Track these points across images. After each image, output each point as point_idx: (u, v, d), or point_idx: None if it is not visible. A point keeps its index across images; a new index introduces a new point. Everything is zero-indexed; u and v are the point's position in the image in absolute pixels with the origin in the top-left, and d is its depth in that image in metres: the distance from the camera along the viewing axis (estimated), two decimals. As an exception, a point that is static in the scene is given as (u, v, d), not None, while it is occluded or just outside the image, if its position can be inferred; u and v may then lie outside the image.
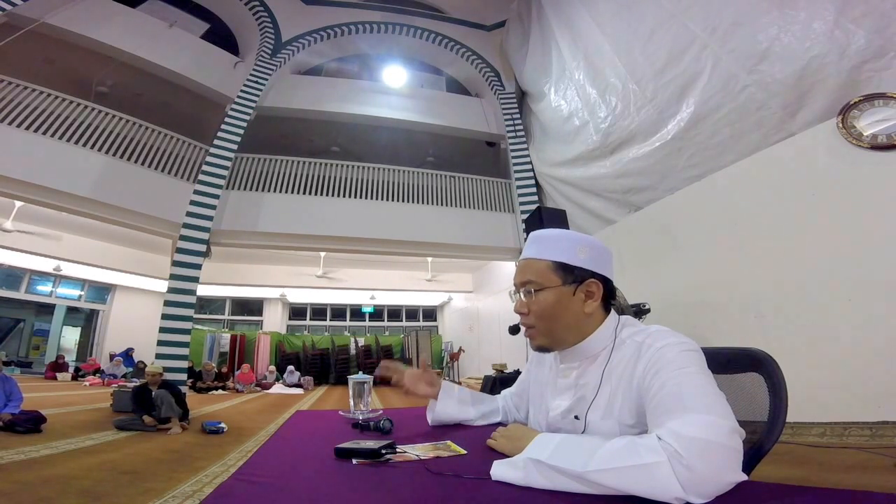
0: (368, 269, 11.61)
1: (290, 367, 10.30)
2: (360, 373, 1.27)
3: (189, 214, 6.35)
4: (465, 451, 0.79)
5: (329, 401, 7.60)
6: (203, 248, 6.34)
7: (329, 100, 8.53)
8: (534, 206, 6.99)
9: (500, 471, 0.62)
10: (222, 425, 4.05)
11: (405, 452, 0.76)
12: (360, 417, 1.10)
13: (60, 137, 5.76)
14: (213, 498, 0.56)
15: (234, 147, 7.08)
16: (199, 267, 6.26)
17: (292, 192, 7.28)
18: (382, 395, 7.81)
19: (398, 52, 9.84)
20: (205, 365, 9.38)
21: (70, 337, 11.60)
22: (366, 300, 13.68)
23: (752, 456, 0.72)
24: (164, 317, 5.91)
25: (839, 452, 2.53)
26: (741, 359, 0.85)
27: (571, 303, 0.80)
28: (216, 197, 6.61)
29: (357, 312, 14.70)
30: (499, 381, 4.54)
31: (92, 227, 7.78)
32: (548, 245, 0.84)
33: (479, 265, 11.08)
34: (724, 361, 0.85)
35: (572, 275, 0.80)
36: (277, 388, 9.36)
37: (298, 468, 0.73)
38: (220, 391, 8.65)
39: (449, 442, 0.85)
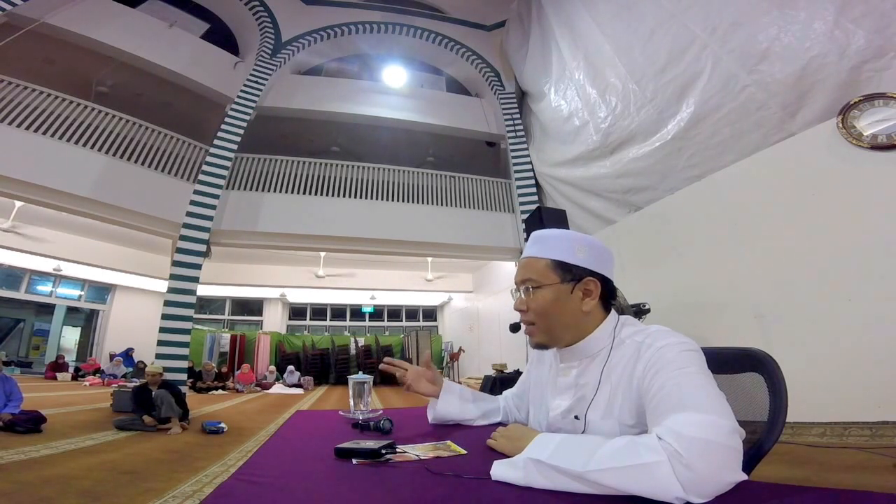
0: (368, 269, 11.61)
1: (290, 367, 10.30)
2: (360, 373, 1.27)
3: (189, 214, 6.36)
4: (465, 451, 0.79)
5: (329, 401, 7.60)
6: (203, 248, 6.34)
7: (329, 100, 8.53)
8: (534, 206, 6.99)
9: (501, 471, 0.62)
10: (222, 425, 4.04)
11: (405, 452, 0.76)
12: (360, 417, 1.10)
13: (60, 137, 5.76)
14: (213, 498, 0.56)
15: (234, 147, 7.08)
16: (199, 267, 6.26)
17: (292, 192, 7.28)
18: (382, 395, 7.81)
19: (398, 52, 9.84)
20: (205, 365, 9.38)
21: (70, 337, 11.60)
22: (366, 300, 13.69)
23: (752, 456, 0.72)
24: (164, 317, 5.91)
25: (839, 452, 2.53)
26: (741, 359, 0.85)
27: (569, 301, 0.81)
28: (216, 197, 6.61)
29: (357, 312, 14.70)
30: (499, 381, 4.54)
31: (92, 227, 7.78)
32: (547, 244, 0.85)
33: (479, 265, 11.08)
34: (724, 361, 0.85)
35: (570, 273, 0.81)
36: (277, 388, 9.36)
37: (298, 468, 0.73)
38: (220, 391, 8.65)
39: (449, 442, 0.85)
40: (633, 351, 0.75)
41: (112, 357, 10.18)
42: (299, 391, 9.25)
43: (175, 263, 6.17)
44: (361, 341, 12.83)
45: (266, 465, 0.75)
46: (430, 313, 15.20)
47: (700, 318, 4.17)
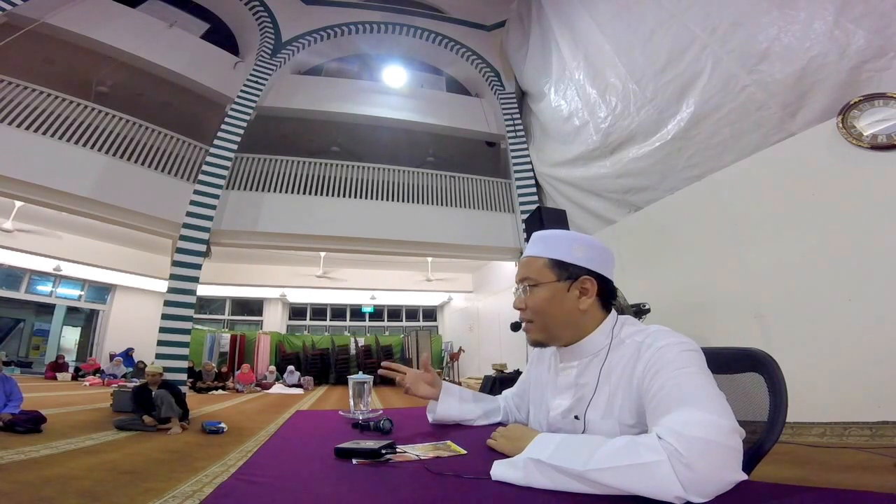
0: (368, 269, 11.61)
1: (290, 367, 10.30)
2: (360, 373, 1.27)
3: (189, 214, 6.35)
4: (465, 451, 0.79)
5: (329, 401, 7.60)
6: (203, 248, 6.34)
7: (329, 100, 8.53)
8: (534, 206, 6.99)
9: (501, 471, 0.62)
10: (222, 425, 4.04)
11: (405, 452, 0.76)
12: (360, 417, 1.10)
13: (60, 137, 5.76)
14: (213, 498, 0.56)
15: (234, 147, 7.08)
16: (199, 267, 6.26)
17: (292, 192, 7.28)
18: (382, 395, 7.81)
19: (398, 52, 9.84)
20: (205, 365, 9.38)
21: (70, 337, 11.60)
22: (366, 300, 13.69)
23: (752, 456, 0.72)
24: (164, 317, 5.91)
25: (839, 452, 2.53)
26: (741, 359, 0.85)
27: (565, 299, 0.82)
28: (216, 197, 6.61)
29: (357, 312, 14.71)
30: (499, 381, 4.54)
31: (92, 227, 7.78)
32: (545, 244, 0.87)
33: (479, 265, 11.08)
34: (724, 361, 0.85)
35: (567, 271, 0.82)
36: (277, 388, 9.37)
37: (298, 468, 0.73)
38: (220, 391, 8.65)
39: (449, 442, 0.85)
40: (633, 351, 0.75)
41: (112, 357, 10.18)
42: (299, 391, 9.26)
43: (175, 263, 6.17)
44: (361, 341, 12.83)
45: (266, 465, 0.75)
46: (430, 313, 15.20)
47: (700, 318, 4.17)
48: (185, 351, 5.96)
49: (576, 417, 0.81)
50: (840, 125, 3.21)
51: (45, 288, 10.99)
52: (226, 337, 11.49)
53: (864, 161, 3.09)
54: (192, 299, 6.14)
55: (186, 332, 6.03)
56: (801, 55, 3.54)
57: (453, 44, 9.65)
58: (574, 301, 0.82)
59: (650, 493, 0.52)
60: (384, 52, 9.81)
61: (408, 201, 7.70)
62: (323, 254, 10.01)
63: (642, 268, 4.97)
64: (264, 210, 6.99)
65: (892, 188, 2.92)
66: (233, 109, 7.40)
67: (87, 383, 8.53)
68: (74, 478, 2.35)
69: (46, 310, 10.99)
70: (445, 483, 0.61)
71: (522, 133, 8.29)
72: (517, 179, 7.90)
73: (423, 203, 7.76)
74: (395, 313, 15.02)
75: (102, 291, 11.83)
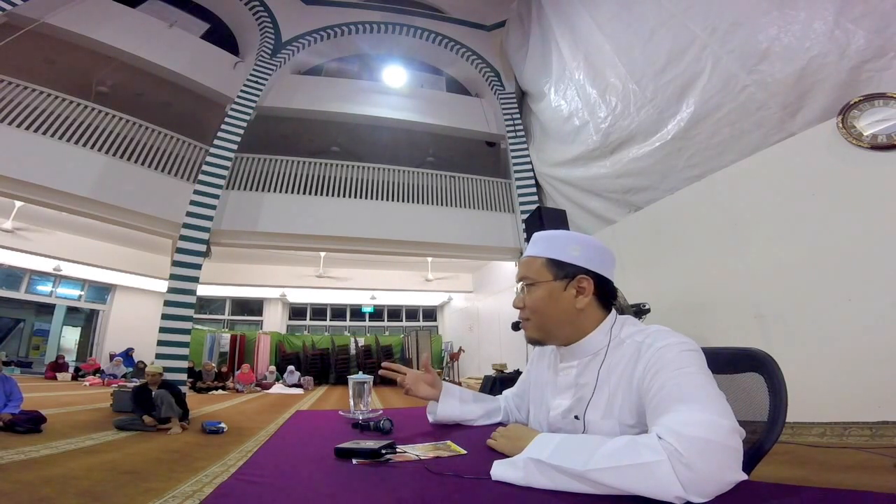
0: (368, 269, 11.61)
1: (290, 367, 10.30)
2: (360, 373, 1.27)
3: (189, 214, 6.35)
4: (465, 451, 0.79)
5: (329, 401, 7.60)
6: (203, 248, 6.34)
7: (329, 100, 8.53)
8: (534, 206, 6.99)
9: (501, 471, 0.62)
10: (222, 425, 4.05)
11: (405, 452, 0.76)
12: (360, 417, 1.10)
13: (60, 137, 5.76)
14: (213, 498, 0.56)
15: (234, 147, 7.08)
16: (199, 267, 6.26)
17: (292, 192, 7.28)
18: (382, 395, 7.82)
19: (398, 52, 9.84)
20: (205, 365, 9.38)
21: (70, 337, 11.60)
22: (366, 300, 13.69)
23: (752, 456, 0.72)
24: (164, 317, 5.91)
25: (839, 452, 2.53)
26: (741, 359, 0.86)
27: (562, 298, 0.82)
28: (216, 197, 6.61)
29: (357, 312, 14.71)
30: (499, 381, 4.54)
31: (92, 227, 7.78)
32: (544, 243, 0.88)
33: (479, 265, 11.08)
34: (724, 361, 0.85)
35: (563, 271, 0.83)
36: (277, 388, 9.37)
37: (298, 468, 0.73)
38: (220, 391, 8.66)
39: (449, 442, 0.85)
40: (633, 351, 0.75)
41: (112, 357, 10.18)
42: (299, 391, 9.26)
43: (175, 263, 6.17)
44: (361, 341, 12.83)
45: (266, 465, 0.75)
46: (430, 313, 15.20)
47: (700, 318, 4.17)
48: (185, 351, 5.96)
49: (576, 417, 0.81)
50: (840, 125, 3.21)
51: (45, 288, 10.99)
52: (226, 337, 11.49)
53: (864, 161, 3.09)
54: (192, 299, 6.14)
55: (186, 332, 6.03)
56: (801, 55, 3.54)
57: (453, 44, 9.65)
58: (570, 300, 0.82)
59: (650, 493, 0.52)
60: (384, 52, 9.81)
61: (408, 201, 7.70)
62: (323, 254, 10.01)
63: (642, 268, 4.97)
64: (264, 210, 6.99)
65: (892, 188, 2.92)
66: (233, 109, 7.40)
67: (87, 383, 8.53)
68: (74, 478, 2.34)
69: (46, 310, 10.99)
70: (445, 483, 0.61)
71: (522, 133, 8.29)
72: (517, 179, 7.90)
73: (423, 203, 7.76)
74: (395, 313, 15.02)
75: (102, 291, 11.83)
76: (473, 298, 12.23)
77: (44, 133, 5.65)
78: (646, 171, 5.18)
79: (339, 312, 14.66)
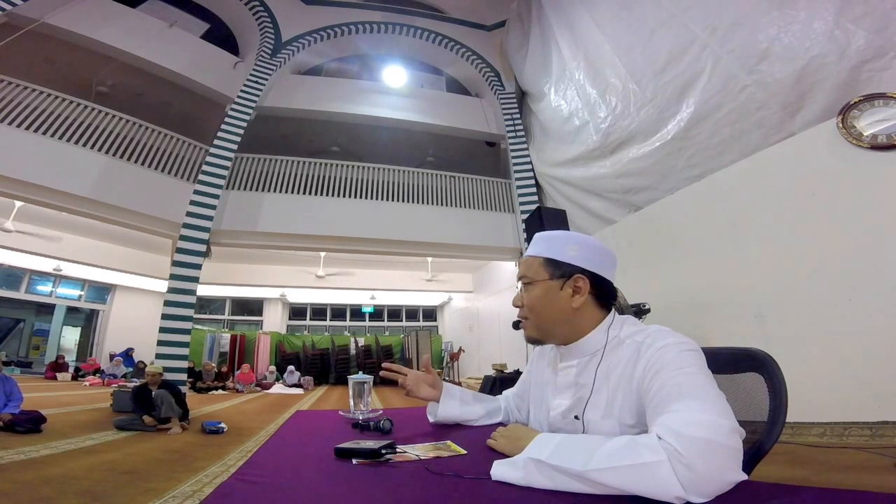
0: (368, 269, 11.61)
1: (290, 367, 10.30)
2: (360, 373, 1.27)
3: (189, 214, 6.35)
4: (465, 451, 0.79)
5: (329, 401, 7.60)
6: (203, 248, 6.34)
7: (329, 100, 8.53)
8: (534, 206, 6.99)
9: (501, 471, 0.62)
10: (222, 425, 4.05)
11: (405, 452, 0.76)
12: (360, 417, 1.10)
13: (60, 137, 5.76)
14: (213, 498, 0.56)
15: (234, 147, 7.08)
16: (199, 267, 6.26)
17: (292, 192, 7.28)
18: (382, 395, 7.82)
19: (398, 52, 9.84)
20: (205, 365, 9.38)
21: (70, 337, 11.60)
22: (366, 300, 13.69)
23: (752, 456, 0.72)
24: (164, 317, 5.91)
25: (839, 452, 2.53)
26: (741, 359, 0.85)
27: (558, 297, 0.83)
28: (216, 197, 6.61)
29: (357, 312, 14.71)
30: (499, 381, 4.54)
31: (92, 227, 7.78)
32: (543, 243, 0.89)
33: (479, 265, 11.08)
34: (724, 361, 0.85)
35: (560, 270, 0.84)
36: (277, 388, 9.37)
37: (298, 468, 0.73)
38: (220, 391, 8.66)
39: (449, 442, 0.85)
40: (633, 351, 0.75)
41: (112, 357, 10.18)
42: (299, 391, 9.26)
43: (175, 263, 6.17)
44: (361, 341, 12.83)
45: (266, 465, 0.75)
46: (430, 313, 15.20)
47: (700, 318, 4.17)
48: (185, 351, 5.96)
49: (576, 417, 0.81)
50: (840, 125, 3.21)
51: (45, 288, 10.99)
52: (226, 337, 11.49)
53: (864, 161, 3.09)
54: (192, 299, 6.14)
55: (186, 332, 6.03)
56: (801, 55, 3.54)
57: (453, 44, 9.65)
58: (567, 299, 0.82)
59: (650, 493, 0.52)
60: (384, 52, 9.81)
61: (408, 201, 7.70)
62: (323, 254, 10.02)
63: (642, 268, 4.97)
64: (264, 210, 6.99)
65: (892, 188, 2.92)
66: (233, 109, 7.40)
67: (87, 383, 8.53)
68: (74, 478, 2.34)
69: (46, 310, 10.99)
70: (445, 483, 0.61)
71: (522, 133, 8.29)
72: (517, 179, 7.90)
73: (423, 203, 7.76)
74: (395, 313, 15.03)
75: (102, 291, 11.83)
76: (473, 298, 12.24)
77: (44, 133, 5.65)
78: (646, 171, 5.18)
79: (339, 312, 14.66)
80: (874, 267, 2.93)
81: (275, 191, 7.21)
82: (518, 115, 8.51)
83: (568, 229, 3.81)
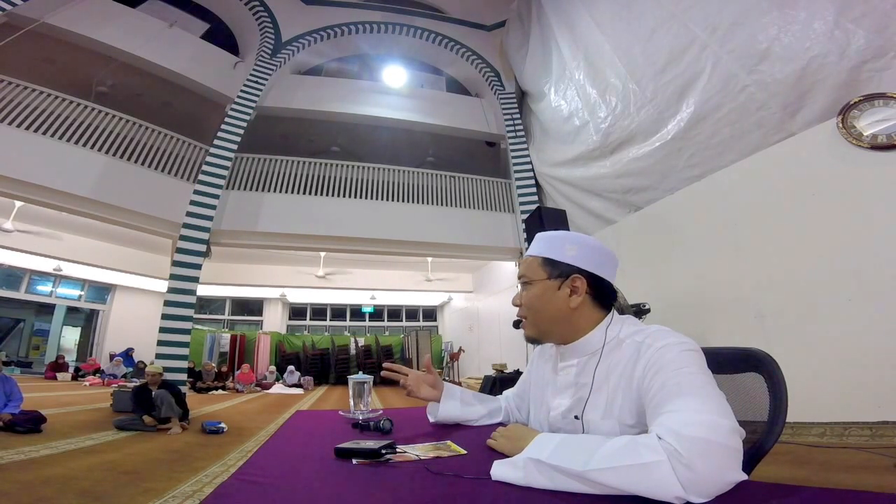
0: (368, 269, 11.61)
1: (290, 367, 10.30)
2: (360, 373, 1.27)
3: (189, 214, 6.35)
4: (465, 451, 0.79)
5: (329, 401, 7.60)
6: (203, 248, 6.34)
7: (329, 100, 8.53)
8: (534, 206, 6.98)
9: (500, 471, 0.62)
10: (222, 425, 4.04)
11: (405, 452, 0.76)
12: (360, 417, 1.10)
13: (60, 137, 5.76)
14: (213, 498, 0.56)
15: (234, 147, 7.08)
16: (199, 267, 6.26)
17: (292, 192, 7.28)
18: (382, 395, 7.82)
19: (398, 52, 9.84)
20: (205, 365, 9.38)
21: (70, 337, 11.60)
22: (366, 300, 13.69)
23: (752, 456, 0.72)
24: (164, 317, 5.91)
25: (839, 452, 2.53)
26: (741, 359, 0.86)
27: (555, 296, 0.83)
28: (216, 197, 6.61)
29: (357, 312, 14.71)
30: (499, 381, 4.54)
31: (92, 227, 7.78)
32: (543, 243, 0.89)
33: (479, 265, 11.08)
34: (724, 361, 0.85)
35: (558, 270, 0.84)
36: (277, 388, 9.37)
37: (298, 468, 0.73)
38: (220, 391, 8.66)
39: (449, 442, 0.85)
40: (632, 351, 0.75)
41: (112, 357, 10.18)
42: (299, 391, 9.26)
43: (175, 263, 6.17)
44: (361, 341, 12.83)
45: (266, 465, 0.75)
46: (430, 313, 15.20)
47: (700, 318, 4.17)
48: (185, 351, 5.96)
49: (576, 417, 0.81)
50: (840, 125, 3.21)
51: (45, 288, 10.99)
52: (226, 337, 11.49)
53: (864, 161, 3.09)
54: (192, 299, 6.14)
55: (186, 332, 6.03)
56: (801, 55, 3.54)
57: (453, 44, 9.65)
58: (564, 299, 0.83)
59: (650, 493, 0.52)
60: (384, 52, 9.81)
61: (408, 201, 7.70)
62: (323, 254, 10.01)
63: (642, 268, 4.96)
64: (264, 210, 6.99)
65: (892, 188, 2.92)
66: (233, 109, 7.40)
67: (87, 383, 8.53)
68: (74, 478, 2.34)
69: (46, 310, 10.99)
70: (445, 483, 0.61)
71: (522, 133, 8.29)
72: (517, 179, 7.90)
73: (423, 203, 7.75)
74: (395, 313, 15.02)
75: (102, 291, 11.83)
76: (473, 298, 12.24)
77: (44, 133, 5.65)
78: (646, 171, 5.17)
79: (339, 312, 14.66)
80: (874, 267, 2.93)
81: (275, 191, 7.21)
82: (518, 115, 8.51)
83: (568, 229, 3.81)
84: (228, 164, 6.91)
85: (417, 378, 1.09)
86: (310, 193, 7.35)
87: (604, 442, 0.59)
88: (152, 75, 7.32)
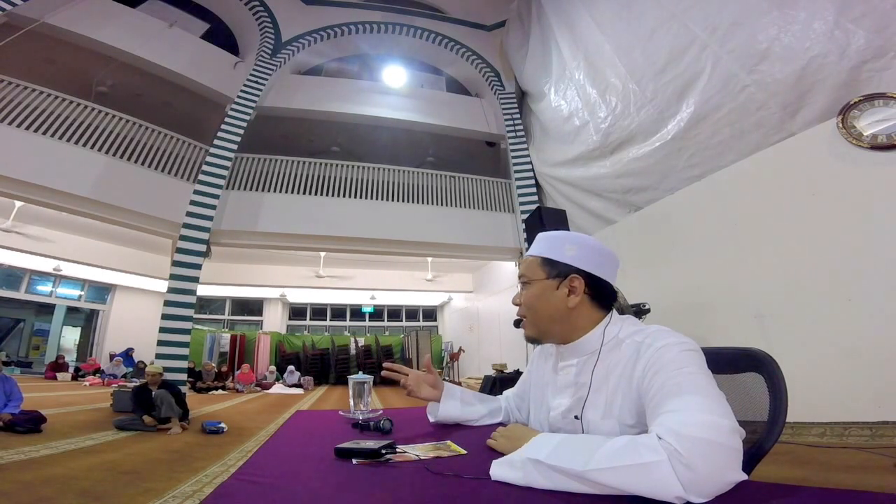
0: (368, 269, 11.61)
1: (290, 367, 10.30)
2: (360, 373, 1.27)
3: (189, 214, 6.36)
4: (465, 451, 0.79)
5: (329, 401, 7.60)
6: (203, 248, 6.34)
7: (329, 100, 8.53)
8: (534, 206, 6.98)
9: (500, 471, 0.62)
10: (222, 425, 4.05)
11: (405, 452, 0.76)
12: (360, 417, 1.11)
13: (60, 137, 5.76)
14: (213, 498, 0.56)
15: (234, 147, 7.08)
16: (199, 267, 6.26)
17: (292, 192, 7.28)
18: (382, 395, 7.82)
19: (398, 52, 9.84)
20: (205, 365, 9.38)
21: (70, 337, 11.60)
22: (366, 300, 13.69)
23: (752, 456, 0.72)
24: (164, 317, 5.91)
25: (839, 452, 2.53)
26: (741, 359, 0.86)
27: (553, 296, 0.84)
28: (216, 197, 6.61)
29: (357, 312, 14.71)
30: (499, 381, 4.54)
31: (92, 227, 7.78)
32: (543, 243, 0.89)
33: (479, 265, 11.08)
34: (724, 361, 0.85)
35: (556, 269, 0.84)
36: (277, 388, 9.37)
37: (298, 468, 0.73)
38: (220, 391, 8.66)
39: (449, 442, 0.86)
40: (632, 351, 0.75)
41: (112, 357, 10.18)
42: (299, 391, 9.26)
43: (175, 263, 6.17)
44: (361, 341, 12.83)
45: (266, 465, 0.75)
46: (430, 313, 15.20)
47: (700, 318, 4.17)
48: (185, 351, 5.96)
49: (575, 417, 0.81)
50: (840, 125, 3.21)
51: (45, 288, 10.99)
52: (226, 337, 11.49)
53: (864, 161, 3.09)
54: (192, 299, 6.14)
55: (186, 332, 6.03)
56: (801, 55, 3.54)
57: (453, 44, 9.65)
58: (563, 299, 0.83)
59: (650, 493, 0.52)
60: (384, 52, 9.81)
61: (408, 201, 7.70)
62: (323, 254, 10.01)
63: (642, 268, 4.96)
64: (264, 210, 6.99)
65: (892, 188, 2.92)
66: (233, 109, 7.40)
67: (87, 383, 8.53)
68: (74, 478, 2.34)
69: (46, 310, 10.99)
70: (445, 483, 0.61)
71: (522, 133, 8.29)
72: (517, 179, 7.90)
73: (423, 203, 7.76)
74: (395, 313, 15.02)
75: (102, 291, 11.83)
76: (473, 298, 12.24)
77: (44, 133, 5.65)
78: (646, 171, 5.17)
79: (339, 312, 14.66)
80: (874, 267, 2.93)
81: (275, 191, 7.21)
82: (518, 115, 8.51)
83: (568, 229, 3.81)
84: (228, 164, 6.91)
85: (417, 378, 1.09)
86: (310, 193, 7.35)
87: (603, 442, 0.59)
88: (152, 75, 7.32)
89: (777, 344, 3.39)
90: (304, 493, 0.60)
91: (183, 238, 6.24)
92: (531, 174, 7.83)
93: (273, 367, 10.61)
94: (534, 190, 7.70)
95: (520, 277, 0.91)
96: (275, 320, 13.51)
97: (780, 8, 3.74)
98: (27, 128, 5.55)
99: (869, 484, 1.99)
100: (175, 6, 8.20)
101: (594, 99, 6.01)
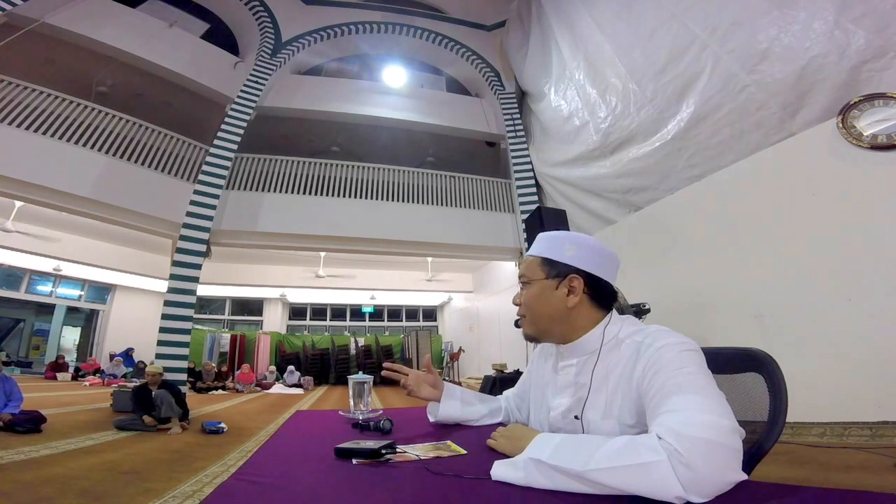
0: (368, 269, 11.61)
1: (290, 367, 10.30)
2: (360, 373, 1.27)
3: (189, 214, 6.35)
4: (465, 451, 0.79)
5: (329, 401, 7.60)
6: (203, 248, 6.34)
7: (329, 100, 8.53)
8: (534, 206, 6.98)
9: (501, 471, 0.62)
10: (222, 425, 4.05)
11: (405, 452, 0.76)
12: (360, 417, 1.10)
13: (60, 137, 5.76)
14: (213, 498, 0.56)
15: (234, 147, 7.08)
16: (199, 267, 6.26)
17: (292, 192, 7.28)
18: (382, 395, 7.82)
19: (398, 52, 9.84)
20: (205, 365, 9.38)
21: (70, 337, 11.61)
22: (366, 300, 13.69)
23: (752, 456, 0.72)
24: (164, 317, 5.91)
25: (839, 452, 2.53)
26: (741, 359, 0.86)
27: (553, 296, 0.84)
28: (216, 197, 6.61)
29: (357, 312, 14.71)
30: (499, 381, 4.54)
31: (92, 227, 7.78)
32: (543, 243, 0.90)
33: (479, 265, 11.08)
34: (724, 361, 0.85)
35: (555, 269, 0.84)
36: (277, 388, 9.37)
37: (298, 468, 0.73)
38: (220, 391, 8.66)
39: (449, 442, 0.86)
40: (632, 351, 0.75)
41: (112, 357, 10.18)
42: (299, 391, 9.26)
43: (175, 263, 6.17)
44: (361, 341, 12.83)
45: (266, 465, 0.75)
46: (430, 313, 15.20)
47: (700, 318, 4.17)
48: (185, 351, 5.96)
49: (575, 417, 0.81)
50: (840, 125, 3.21)
51: (45, 288, 10.99)
52: (226, 337, 11.49)
53: (864, 161, 3.09)
54: (192, 299, 6.14)
55: (186, 332, 6.03)
56: (801, 55, 3.54)
57: (453, 44, 9.65)
58: (562, 298, 0.83)
59: (650, 493, 0.52)
60: (384, 52, 9.81)
61: (408, 201, 7.70)
62: (323, 254, 10.01)
63: (642, 268, 4.96)
64: (264, 210, 6.99)
65: (892, 188, 2.92)
66: (233, 109, 7.40)
67: (87, 383, 8.53)
68: (74, 478, 2.35)
69: (46, 310, 10.99)
70: (445, 483, 0.61)
71: (522, 133, 8.29)
72: (517, 179, 7.90)
73: (423, 203, 7.76)
74: (395, 313, 15.02)
75: (102, 291, 11.83)
76: (473, 298, 12.23)
77: (44, 133, 5.65)
78: (646, 171, 5.17)
79: (339, 312, 14.66)
80: (874, 267, 2.93)
81: (275, 191, 7.21)
82: (518, 115, 8.51)
83: (568, 229, 3.81)
84: (228, 164, 6.91)
85: (417, 378, 1.09)
86: (310, 193, 7.35)
87: (604, 442, 0.59)
88: (152, 75, 7.32)
89: (777, 344, 3.39)
90: (304, 493, 0.60)
91: (183, 238, 6.24)
92: (531, 174, 7.83)
93: (273, 367, 10.61)
94: (534, 190, 7.70)
95: (520, 277, 0.91)
96: (275, 320, 13.52)
97: (780, 8, 3.74)
98: (27, 128, 5.55)
99: (869, 484, 1.99)
100: (175, 6, 8.20)
101: (594, 99, 6.01)
